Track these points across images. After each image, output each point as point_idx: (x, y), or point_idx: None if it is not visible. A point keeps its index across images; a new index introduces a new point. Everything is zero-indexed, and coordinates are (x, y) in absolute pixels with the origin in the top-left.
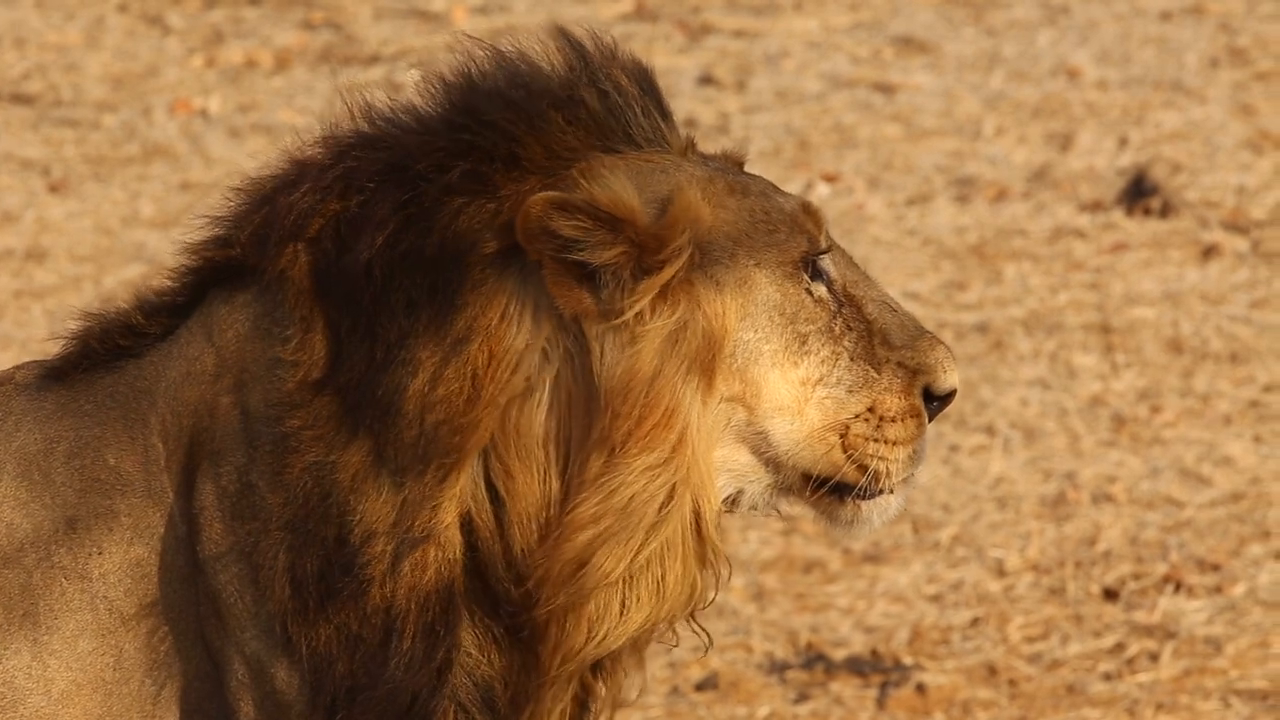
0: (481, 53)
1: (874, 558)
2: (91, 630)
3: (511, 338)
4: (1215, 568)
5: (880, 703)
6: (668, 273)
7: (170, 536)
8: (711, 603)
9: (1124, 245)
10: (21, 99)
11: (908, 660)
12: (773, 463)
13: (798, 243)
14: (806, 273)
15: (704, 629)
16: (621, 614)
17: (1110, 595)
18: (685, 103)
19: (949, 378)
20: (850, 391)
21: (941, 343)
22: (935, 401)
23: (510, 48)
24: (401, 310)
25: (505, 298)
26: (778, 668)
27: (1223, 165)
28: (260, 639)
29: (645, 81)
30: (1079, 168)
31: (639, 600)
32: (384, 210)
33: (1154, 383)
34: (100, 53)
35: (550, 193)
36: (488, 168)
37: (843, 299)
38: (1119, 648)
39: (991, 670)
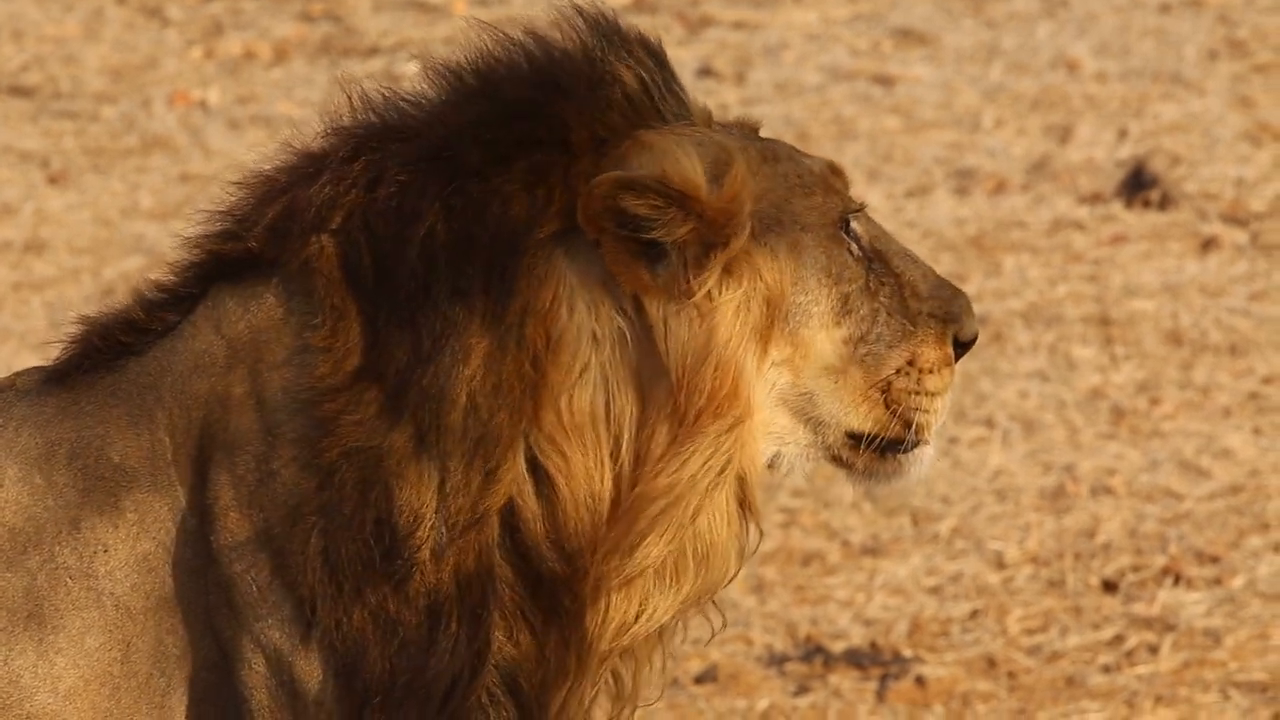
0: (495, 39)
1: (873, 550)
2: (98, 627)
3: (564, 320)
4: (1214, 560)
5: (880, 695)
6: (735, 247)
7: (179, 530)
8: (733, 578)
9: (1123, 237)
10: (20, 91)
11: (907, 652)
12: (815, 422)
13: (834, 203)
14: (845, 232)
15: (721, 611)
16: (673, 585)
17: (1109, 587)
18: None
19: (972, 323)
20: (890, 347)
21: (960, 290)
22: (960, 347)
23: (524, 32)
24: (445, 299)
25: (556, 281)
26: (777, 660)
27: (1222, 157)
28: (280, 628)
29: (659, 56)
30: (1078, 160)
31: (687, 571)
32: (423, 201)
33: (1153, 375)
34: (99, 44)
35: (617, 173)
36: (539, 154)
37: (871, 255)
38: (1118, 640)
39: (991, 662)
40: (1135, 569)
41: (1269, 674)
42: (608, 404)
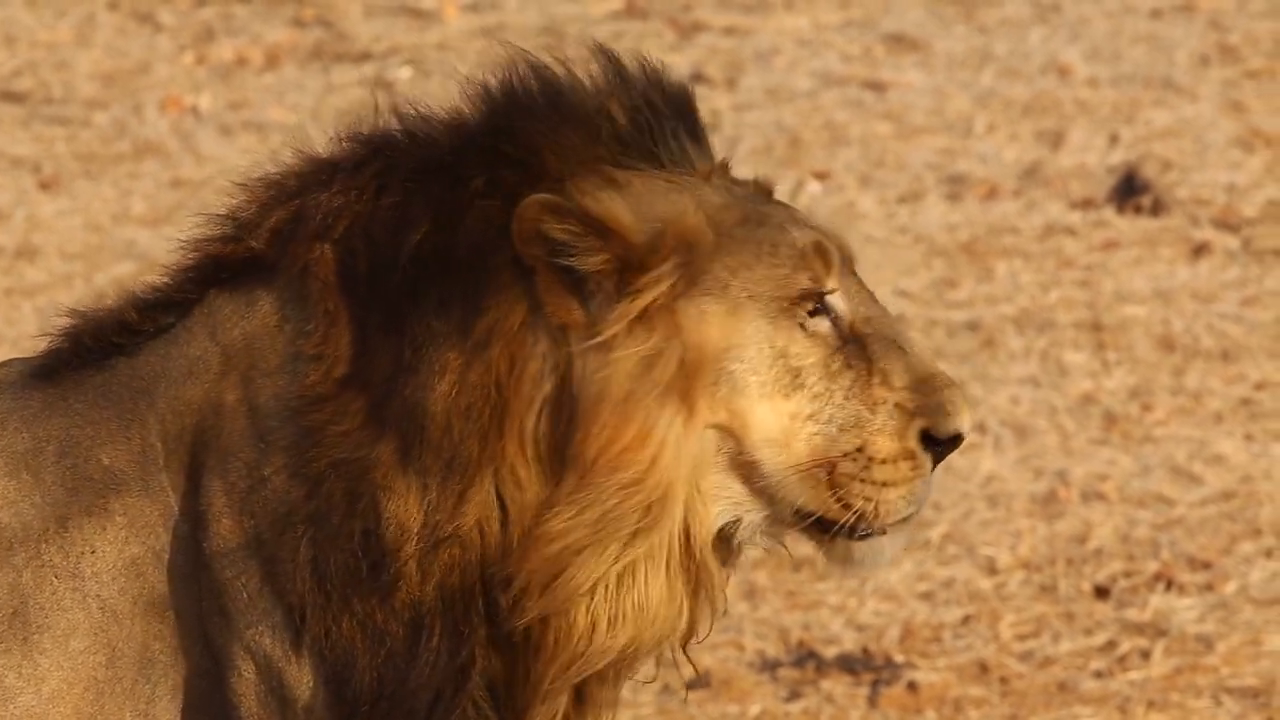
0: (525, 63)
1: None
2: (84, 629)
3: (531, 345)
4: (1206, 566)
5: (872, 701)
6: (647, 297)
7: (170, 535)
8: (705, 637)
9: (1115, 243)
10: (12, 97)
11: (899, 658)
12: (764, 493)
13: (799, 279)
14: (806, 308)
15: (693, 662)
16: (609, 630)
17: (1101, 593)
18: None
19: (951, 422)
20: (841, 430)
21: (952, 385)
22: (939, 445)
23: (554, 61)
24: (432, 310)
25: (526, 304)
26: (769, 666)
27: (1213, 163)
28: (270, 635)
29: (682, 104)
30: (1070, 165)
31: (624, 618)
32: (418, 209)
33: (1145, 381)
34: (91, 50)
35: (544, 195)
36: (508, 174)
37: (848, 336)
38: (1110, 645)
39: (983, 668)
40: (1127, 574)
41: (1261, 680)
42: (551, 435)
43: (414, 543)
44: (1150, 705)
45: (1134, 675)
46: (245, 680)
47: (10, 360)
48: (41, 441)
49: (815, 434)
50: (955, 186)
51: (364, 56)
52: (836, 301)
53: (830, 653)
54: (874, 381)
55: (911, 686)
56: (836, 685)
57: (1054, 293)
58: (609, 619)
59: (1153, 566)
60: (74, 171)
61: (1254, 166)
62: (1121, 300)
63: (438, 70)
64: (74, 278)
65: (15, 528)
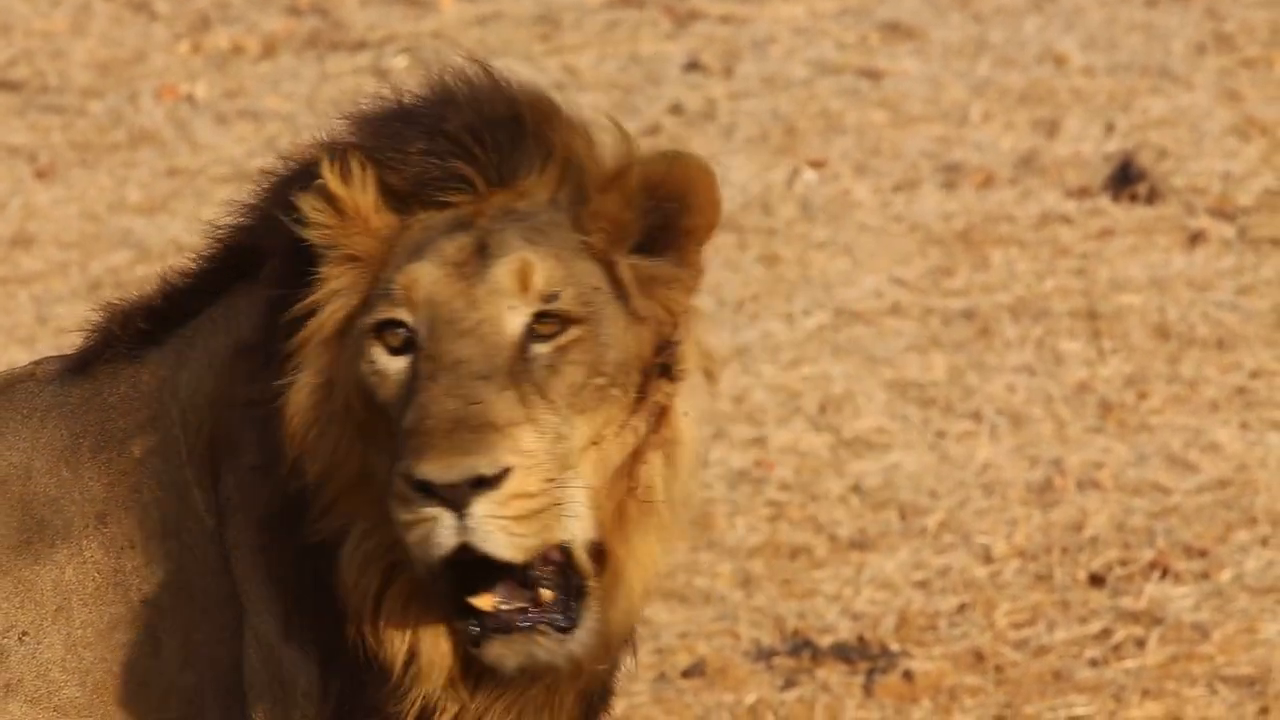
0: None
1: (860, 544)
2: (126, 623)
3: None
4: (1202, 554)
5: (867, 689)
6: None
7: (198, 530)
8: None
9: (1111, 231)
10: (7, 85)
11: (895, 647)
12: None
13: (382, 309)
14: (379, 338)
15: None
16: None
17: (1097, 581)
18: (672, 89)
19: (421, 466)
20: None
21: (433, 430)
22: (419, 485)
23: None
24: None
25: None
26: (765, 654)
27: (1209, 151)
28: (272, 623)
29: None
30: (1066, 154)
31: None
32: None
33: (1141, 369)
34: (86, 39)
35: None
36: None
37: (421, 362)
38: (1105, 634)
39: (978, 656)
40: (1123, 563)
41: (1256, 668)
42: None
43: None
44: (1145, 694)
45: (1129, 664)
46: (252, 665)
47: (49, 358)
48: (79, 436)
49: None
50: (951, 175)
51: (360, 45)
52: (421, 340)
53: (826, 641)
54: (408, 411)
55: (907, 675)
56: (832, 674)
57: (1050, 281)
58: None
59: (1148, 555)
60: (70, 160)
61: (1250, 155)
62: (1117, 289)
63: (434, 58)
64: (70, 266)
65: (57, 524)
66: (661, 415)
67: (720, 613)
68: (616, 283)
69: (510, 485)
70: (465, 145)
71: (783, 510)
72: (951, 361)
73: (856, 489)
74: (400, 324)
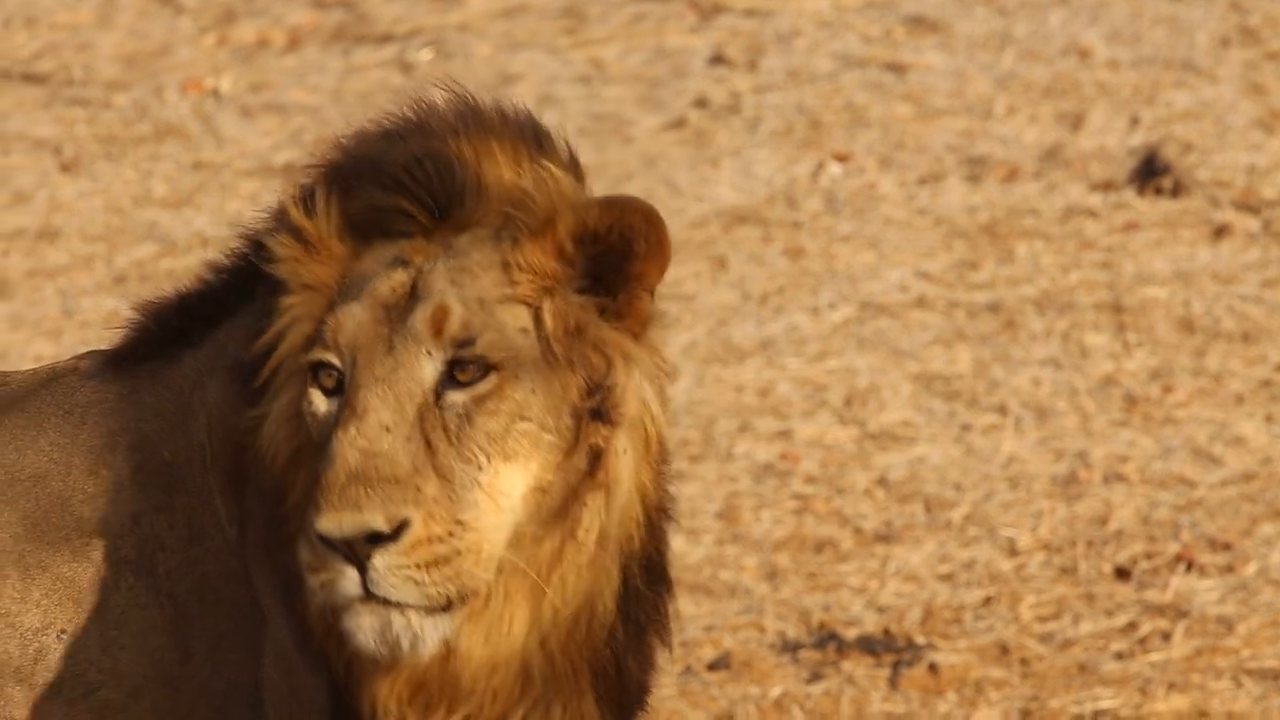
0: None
1: (886, 537)
2: (160, 626)
3: None
4: (1227, 547)
5: (893, 682)
6: None
7: (220, 538)
8: None
9: (1135, 225)
10: (33, 78)
11: (920, 639)
12: None
13: (316, 351)
14: (314, 378)
15: None
16: None
17: (1122, 575)
18: (697, 82)
19: (322, 519)
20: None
21: (327, 484)
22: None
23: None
24: None
25: None
26: (790, 647)
27: (1234, 145)
28: (286, 631)
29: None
30: (1090, 147)
31: None
32: None
33: (1166, 362)
34: (112, 32)
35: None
36: None
37: (341, 407)
38: (1131, 627)
39: (1004, 649)
40: (1148, 556)
41: None
42: None
43: None
44: (1171, 687)
45: (1155, 657)
46: (270, 676)
47: (89, 352)
48: (115, 435)
49: None
50: (976, 168)
51: (385, 38)
52: (347, 383)
53: (851, 634)
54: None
55: (932, 668)
56: (858, 667)
57: (1075, 274)
58: None
59: (1173, 548)
60: (95, 153)
61: (1274, 148)
62: (1142, 282)
63: (459, 52)
64: (95, 259)
65: (95, 522)
66: (598, 458)
67: (746, 606)
68: (542, 328)
69: (410, 536)
70: (402, 181)
71: (808, 503)
72: (976, 355)
73: (882, 482)
74: (331, 365)
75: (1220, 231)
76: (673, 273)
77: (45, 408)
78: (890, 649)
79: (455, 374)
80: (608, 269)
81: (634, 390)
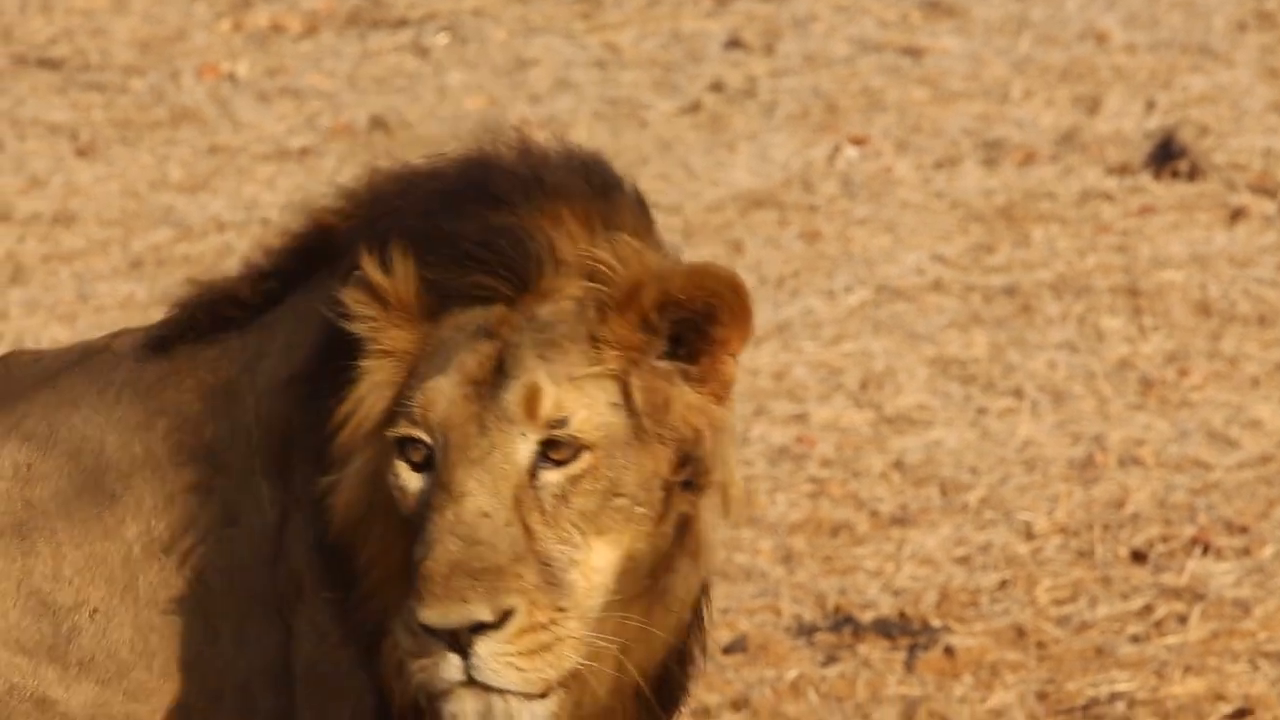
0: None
1: (901, 520)
2: (187, 608)
3: None
4: (1243, 530)
5: (908, 665)
6: None
7: (258, 521)
8: None
9: (1151, 208)
10: (49, 63)
11: (936, 622)
12: None
13: (404, 426)
14: (401, 453)
15: None
16: None
17: (1138, 557)
18: (713, 66)
19: (422, 610)
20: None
21: (429, 573)
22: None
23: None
24: None
25: None
26: (806, 630)
27: (1250, 128)
28: (325, 612)
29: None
30: (1107, 131)
31: None
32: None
33: (1182, 345)
34: (128, 16)
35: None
36: None
37: (434, 486)
38: (1147, 610)
39: (1020, 632)
40: (1164, 539)
41: None
42: None
43: None
44: (1187, 670)
45: (1171, 640)
46: (303, 649)
47: (123, 331)
48: (153, 415)
49: None
50: (992, 152)
51: (401, 23)
52: (436, 461)
53: (867, 617)
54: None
55: (948, 651)
56: (873, 650)
57: (1091, 258)
58: None
59: (1189, 531)
60: (111, 138)
61: None
62: (1158, 265)
63: (475, 36)
64: (111, 244)
65: (129, 500)
66: (686, 524)
67: (762, 589)
68: (632, 403)
69: (514, 625)
70: (478, 257)
71: (824, 487)
72: (993, 338)
73: (898, 465)
74: (420, 441)
75: (1236, 215)
76: (689, 256)
77: (79, 384)
78: (906, 632)
79: (549, 454)
80: (689, 330)
81: (720, 457)
